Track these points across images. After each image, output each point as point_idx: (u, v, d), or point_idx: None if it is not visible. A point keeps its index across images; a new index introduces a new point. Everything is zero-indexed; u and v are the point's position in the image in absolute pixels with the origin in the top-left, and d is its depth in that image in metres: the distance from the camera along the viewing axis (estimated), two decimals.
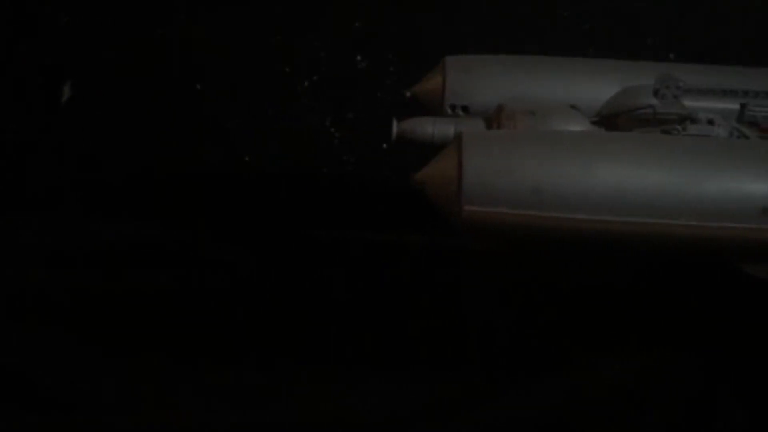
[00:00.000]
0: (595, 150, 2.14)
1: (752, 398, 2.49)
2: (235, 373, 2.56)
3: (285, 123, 3.22)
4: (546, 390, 2.53)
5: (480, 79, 2.48)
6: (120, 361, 2.57)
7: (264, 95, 3.21)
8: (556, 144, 2.16)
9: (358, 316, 2.70)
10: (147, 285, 2.82)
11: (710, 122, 2.35)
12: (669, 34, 3.18)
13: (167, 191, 3.18)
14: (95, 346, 2.61)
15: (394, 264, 2.89)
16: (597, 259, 2.53)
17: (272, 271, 2.87)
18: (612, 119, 2.43)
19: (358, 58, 3.21)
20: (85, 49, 3.18)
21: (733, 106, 2.42)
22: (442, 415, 2.48)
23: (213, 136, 3.20)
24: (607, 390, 2.53)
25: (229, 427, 2.45)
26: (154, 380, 2.54)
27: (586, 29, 3.19)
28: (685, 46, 3.13)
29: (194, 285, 2.83)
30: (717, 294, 2.62)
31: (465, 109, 2.47)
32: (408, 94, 2.55)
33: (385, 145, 2.40)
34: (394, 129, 2.41)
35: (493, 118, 2.39)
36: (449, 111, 2.48)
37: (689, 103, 2.37)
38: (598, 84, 2.48)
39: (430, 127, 2.40)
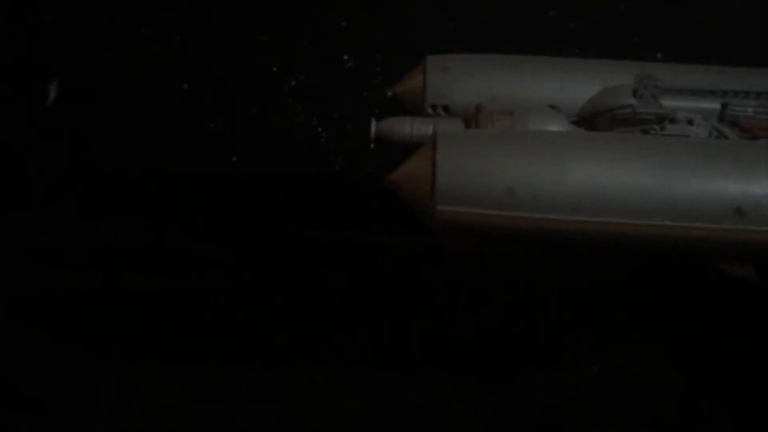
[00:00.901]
0: (570, 150, 2.12)
1: (733, 397, 2.48)
2: (232, 373, 2.56)
3: (271, 122, 3.21)
4: (541, 390, 2.53)
5: (461, 79, 2.46)
6: (118, 361, 2.57)
7: (250, 94, 3.21)
8: (530, 144, 2.15)
9: (354, 316, 2.70)
10: (144, 285, 2.82)
11: (690, 122, 2.34)
12: (656, 34, 3.17)
13: (156, 191, 3.17)
14: (93, 346, 2.60)
15: (390, 264, 2.88)
16: (579, 259, 2.53)
17: (267, 271, 2.87)
18: (592, 119, 2.41)
19: (345, 57, 3.21)
20: (72, 48, 3.18)
21: (716, 106, 2.41)
22: (439, 414, 2.48)
23: (198, 135, 3.19)
24: (601, 389, 2.52)
25: (226, 427, 2.45)
26: (152, 380, 2.54)
27: (573, 29, 3.19)
28: (673, 46, 3.12)
29: (192, 285, 2.83)
30: (698, 293, 2.61)
31: (446, 108, 2.45)
32: (389, 93, 2.53)
33: (372, 145, 2.39)
34: (373, 129, 2.39)
35: (472, 118, 2.38)
36: (430, 110, 2.46)
37: (671, 103, 2.36)
38: (579, 84, 2.46)
39: (408, 127, 2.39)
